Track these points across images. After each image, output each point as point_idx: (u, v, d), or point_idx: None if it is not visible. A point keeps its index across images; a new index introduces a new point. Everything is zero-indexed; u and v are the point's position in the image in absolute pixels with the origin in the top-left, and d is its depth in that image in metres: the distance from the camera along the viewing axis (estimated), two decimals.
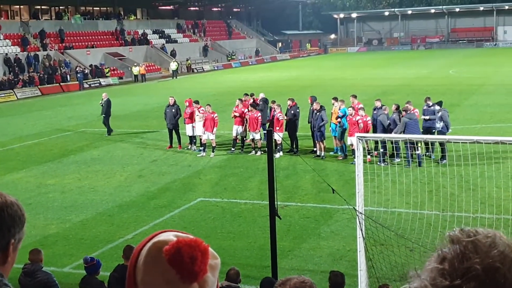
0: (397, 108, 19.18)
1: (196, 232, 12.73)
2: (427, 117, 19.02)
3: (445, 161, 17.83)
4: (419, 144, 17.40)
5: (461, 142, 11.12)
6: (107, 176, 18.91)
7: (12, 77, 47.78)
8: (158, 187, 17.43)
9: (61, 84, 49.75)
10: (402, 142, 18.32)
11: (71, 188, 17.71)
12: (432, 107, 19.47)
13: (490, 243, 1.11)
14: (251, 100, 22.84)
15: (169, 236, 1.42)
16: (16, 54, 50.93)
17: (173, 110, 22.32)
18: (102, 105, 25.95)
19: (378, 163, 17.11)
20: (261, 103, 22.46)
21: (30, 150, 23.67)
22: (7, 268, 1.79)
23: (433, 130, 18.77)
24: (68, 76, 51.19)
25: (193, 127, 21.70)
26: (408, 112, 18.74)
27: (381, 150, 17.99)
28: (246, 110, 21.40)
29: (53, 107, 37.97)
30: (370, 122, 19.16)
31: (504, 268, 1.08)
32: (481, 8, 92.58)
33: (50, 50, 54.92)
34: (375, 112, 19.64)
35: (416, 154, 17.89)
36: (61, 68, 52.18)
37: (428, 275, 1.12)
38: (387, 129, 18.83)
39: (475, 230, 1.15)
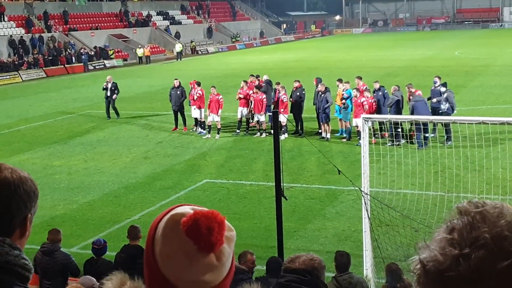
0: (398, 89, 19.20)
1: None
2: (435, 100, 18.99)
3: (450, 142, 17.83)
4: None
5: (467, 123, 11.11)
6: (113, 158, 18.99)
7: (17, 59, 47.77)
8: (164, 169, 17.50)
9: (66, 66, 49.74)
10: (407, 123, 18.35)
11: (77, 169, 17.80)
12: (438, 88, 19.43)
13: (498, 213, 1.13)
14: (257, 82, 22.81)
15: (186, 209, 1.45)
16: (21, 36, 50.86)
17: (178, 92, 22.30)
18: (105, 89, 25.23)
19: (389, 144, 17.03)
20: (264, 85, 22.42)
21: (36, 132, 23.75)
22: (24, 242, 1.85)
23: (439, 111, 18.74)
24: (72, 58, 51.14)
25: (200, 108, 21.64)
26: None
27: (390, 131, 17.92)
28: (251, 92, 21.38)
29: (58, 89, 38.00)
30: (375, 103, 19.13)
31: None
32: None
33: (55, 31, 54.81)
34: (379, 93, 19.59)
35: (424, 136, 17.82)
36: (66, 50, 52.11)
37: (437, 245, 1.13)
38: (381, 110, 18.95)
39: (483, 202, 1.17)
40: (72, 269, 8.33)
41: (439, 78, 20.21)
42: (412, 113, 17.86)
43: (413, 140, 17.56)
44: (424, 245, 1.17)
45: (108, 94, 25.19)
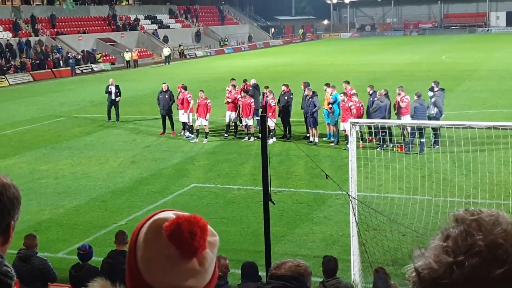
0: (386, 94, 19.27)
1: None
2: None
3: (437, 146, 17.91)
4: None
5: (454, 127, 11.17)
6: (100, 162, 18.88)
7: (4, 62, 47.44)
8: (151, 173, 17.43)
9: (53, 69, 49.47)
10: (395, 128, 18.42)
11: (64, 174, 17.68)
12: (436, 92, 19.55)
13: (493, 221, 1.13)
14: (243, 86, 22.80)
15: (169, 214, 1.45)
16: (8, 40, 50.54)
17: (166, 96, 22.26)
18: (108, 92, 25.01)
19: (378, 148, 17.07)
20: (251, 89, 22.41)
21: (22, 136, 23.57)
22: (6, 248, 1.83)
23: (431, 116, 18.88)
24: (60, 62, 50.87)
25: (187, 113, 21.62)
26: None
27: (381, 136, 17.94)
28: (239, 96, 21.37)
29: (45, 93, 37.78)
30: (363, 108, 19.19)
31: (507, 244, 1.10)
32: None
33: (42, 35, 54.52)
34: (370, 99, 19.64)
35: (420, 141, 17.86)
36: (53, 54, 51.84)
37: (432, 253, 1.14)
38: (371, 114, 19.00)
39: (479, 210, 1.17)
40: (49, 275, 8.24)
41: (436, 83, 20.29)
42: (412, 114, 17.95)
43: (402, 144, 17.67)
44: (420, 253, 1.17)
45: (113, 97, 25.03)
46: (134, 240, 1.45)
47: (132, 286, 1.45)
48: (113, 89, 25.01)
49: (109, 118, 25.45)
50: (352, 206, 10.02)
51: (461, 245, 1.10)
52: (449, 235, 1.13)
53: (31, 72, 47.55)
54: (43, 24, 56.36)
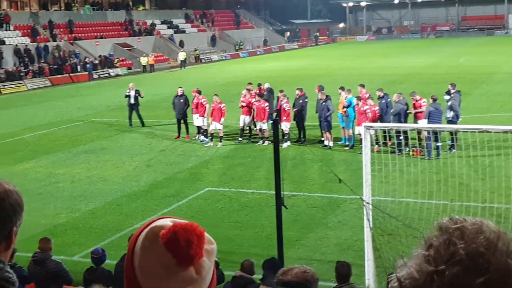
0: (401, 97, 19.13)
1: (203, 221, 12.78)
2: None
3: (454, 150, 17.76)
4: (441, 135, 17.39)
5: (470, 131, 11.07)
6: (116, 166, 19.00)
7: (22, 67, 47.97)
8: (166, 177, 17.50)
9: (71, 74, 49.91)
10: (412, 132, 18.30)
11: (80, 177, 17.81)
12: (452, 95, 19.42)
13: (476, 229, 1.12)
14: (257, 90, 22.83)
15: (166, 221, 1.44)
16: (26, 45, 51.08)
17: (181, 101, 22.34)
18: (127, 96, 24.80)
19: (395, 153, 16.96)
20: (266, 93, 22.42)
21: (40, 140, 23.80)
22: (8, 254, 1.83)
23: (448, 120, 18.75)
24: (77, 67, 51.32)
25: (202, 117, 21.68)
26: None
27: (397, 140, 17.81)
28: (253, 100, 21.38)
29: (63, 97, 38.11)
30: (378, 111, 19.09)
31: (488, 253, 1.09)
32: None
33: (60, 40, 55.03)
34: (383, 101, 19.56)
35: (436, 145, 17.73)
36: (71, 59, 52.30)
37: (414, 262, 1.13)
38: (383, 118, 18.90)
39: (463, 218, 1.16)
40: (64, 278, 8.30)
41: (452, 85, 20.21)
42: (427, 119, 17.80)
43: (419, 148, 17.55)
44: (403, 262, 1.16)
45: (132, 101, 24.84)
46: (131, 248, 1.45)
47: None
48: (132, 93, 24.83)
49: (130, 124, 25.12)
50: (366, 211, 9.96)
51: (443, 254, 1.10)
52: (431, 244, 1.13)
53: (49, 77, 48.02)
54: (61, 30, 56.90)
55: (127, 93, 25.05)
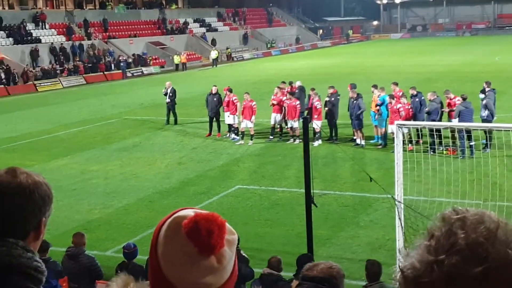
0: (436, 95, 18.88)
1: (233, 219, 12.84)
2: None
3: (488, 149, 17.46)
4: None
5: (504, 130, 10.88)
6: (148, 163, 19.21)
7: (58, 66, 48.81)
8: (197, 174, 17.62)
9: (105, 73, 50.58)
10: (445, 131, 18.05)
11: (113, 174, 18.06)
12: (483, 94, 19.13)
13: (477, 220, 1.14)
14: (289, 88, 22.80)
15: (188, 212, 1.48)
16: (61, 43, 51.94)
17: (215, 99, 22.43)
18: (166, 94, 25.16)
19: (431, 152, 16.77)
20: (297, 91, 22.37)
21: (74, 137, 24.20)
22: (38, 244, 1.89)
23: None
24: (111, 65, 52.00)
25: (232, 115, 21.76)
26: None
27: (430, 139, 17.58)
28: (285, 98, 21.36)
29: (97, 95, 38.67)
30: (412, 110, 18.89)
31: (488, 243, 1.10)
32: None
33: (94, 39, 55.83)
34: (416, 100, 19.34)
35: (469, 144, 17.48)
36: (105, 57, 53.02)
37: (416, 252, 1.16)
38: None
39: (465, 209, 1.18)
40: (95, 273, 8.42)
41: (487, 83, 19.92)
42: (458, 118, 17.55)
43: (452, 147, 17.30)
44: (406, 253, 1.19)
45: (168, 100, 25.22)
46: (155, 238, 1.49)
47: (154, 282, 1.49)
48: (168, 92, 25.20)
49: (167, 122, 25.41)
50: (398, 210, 9.88)
51: (444, 244, 1.12)
52: (433, 235, 1.15)
53: (83, 75, 48.76)
54: (96, 28, 57.71)
55: (164, 92, 25.46)
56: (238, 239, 1.64)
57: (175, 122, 25.46)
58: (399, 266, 1.17)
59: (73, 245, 8.58)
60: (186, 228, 1.41)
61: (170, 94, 25.20)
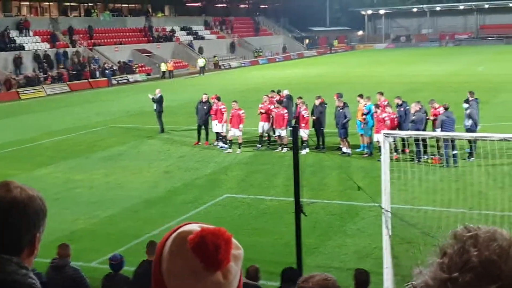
0: (421, 106, 19.00)
1: None
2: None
3: (473, 159, 17.59)
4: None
5: (489, 140, 10.96)
6: (134, 172, 19.08)
7: (41, 73, 48.47)
8: (185, 183, 17.53)
9: (90, 80, 50.32)
10: (431, 140, 18.17)
11: (98, 183, 17.90)
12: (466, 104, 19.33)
13: (489, 237, 1.15)
14: (277, 97, 22.83)
15: (193, 226, 1.45)
16: (46, 51, 51.62)
17: (205, 107, 22.37)
18: (154, 100, 25.19)
19: (412, 161, 16.88)
20: (285, 100, 22.41)
21: (58, 146, 23.99)
22: (31, 260, 1.85)
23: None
24: (96, 73, 51.75)
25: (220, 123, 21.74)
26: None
27: (416, 148, 17.67)
28: (272, 106, 21.39)
29: (82, 103, 38.43)
30: (397, 119, 19.00)
31: (501, 261, 1.11)
32: (511, 5, 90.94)
33: (79, 46, 55.56)
34: (401, 109, 19.46)
35: (452, 153, 17.59)
36: (90, 65, 52.76)
37: (429, 270, 1.16)
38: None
39: (477, 227, 1.19)
40: (81, 284, 8.31)
41: (471, 93, 20.17)
42: (440, 127, 17.66)
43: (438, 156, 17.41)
44: (418, 271, 1.19)
45: (154, 107, 25.27)
46: (159, 253, 1.46)
47: None
48: (156, 98, 25.19)
49: (162, 130, 25.30)
50: (385, 219, 9.89)
51: (457, 262, 1.13)
52: (445, 252, 1.16)
53: (68, 83, 48.45)
54: (81, 35, 57.45)
55: (153, 97, 25.34)
56: None
57: (161, 131, 25.27)
58: (412, 284, 1.17)
59: (58, 256, 8.45)
60: (192, 243, 1.38)
61: (157, 99, 25.09)
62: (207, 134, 22.51)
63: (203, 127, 22.50)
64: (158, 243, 1.48)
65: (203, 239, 1.38)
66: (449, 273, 1.11)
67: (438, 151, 18.25)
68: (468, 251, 1.12)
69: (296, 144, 7.85)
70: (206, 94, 23.06)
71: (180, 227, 1.48)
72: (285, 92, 23.26)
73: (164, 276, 1.42)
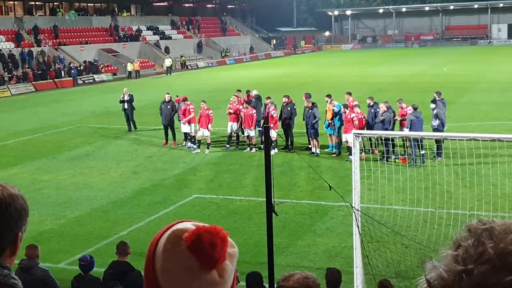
0: (389, 106, 19.19)
1: None
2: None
3: (440, 158, 17.86)
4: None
5: (458, 139, 11.14)
6: (102, 172, 18.85)
7: (6, 73, 47.56)
8: (153, 184, 17.39)
9: (55, 80, 49.59)
10: (398, 140, 18.40)
11: (65, 184, 17.64)
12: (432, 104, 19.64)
13: (505, 229, 1.14)
14: (245, 97, 22.84)
15: (187, 224, 1.44)
16: (10, 50, 50.71)
17: (169, 107, 22.28)
18: (123, 101, 25.32)
19: (381, 160, 17.08)
20: (254, 100, 22.43)
21: (24, 146, 23.58)
22: (13, 260, 1.81)
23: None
24: (62, 72, 51.01)
25: (188, 124, 21.67)
26: (402, 109, 18.84)
27: (385, 148, 17.84)
28: (241, 106, 21.38)
29: (47, 103, 37.84)
30: (365, 119, 19.17)
31: None
32: (476, 6, 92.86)
33: (44, 46, 54.70)
34: (372, 110, 19.63)
35: (420, 153, 17.83)
36: (55, 64, 51.99)
37: (443, 263, 1.15)
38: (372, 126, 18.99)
39: (492, 220, 1.18)
40: (50, 286, 8.16)
41: (438, 93, 20.51)
42: (409, 127, 17.87)
43: (405, 156, 17.62)
44: (432, 265, 1.17)
45: (125, 106, 25.24)
46: (152, 251, 1.44)
47: None
48: (126, 98, 25.26)
49: (129, 129, 25.57)
50: (356, 218, 9.96)
51: (472, 254, 1.12)
52: (460, 244, 1.15)
53: (33, 83, 47.67)
54: (46, 35, 56.56)
55: (121, 98, 25.41)
56: None
57: (135, 128, 25.55)
58: (425, 277, 1.15)
59: (26, 257, 8.29)
60: (188, 241, 1.36)
61: (129, 100, 25.15)
62: (174, 134, 22.40)
63: (169, 127, 22.39)
64: (151, 241, 1.45)
65: (199, 237, 1.36)
66: (464, 265, 1.10)
67: (405, 151, 18.49)
68: (483, 243, 1.11)
69: (267, 144, 7.85)
70: (168, 93, 23.00)
71: (173, 225, 1.46)
72: (254, 92, 23.28)
73: (158, 275, 1.40)
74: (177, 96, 24.01)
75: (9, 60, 49.60)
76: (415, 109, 18.44)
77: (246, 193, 16.13)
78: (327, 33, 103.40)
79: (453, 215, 12.50)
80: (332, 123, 19.82)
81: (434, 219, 12.20)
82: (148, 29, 70.34)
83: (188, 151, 21.43)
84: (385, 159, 17.47)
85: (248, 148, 21.11)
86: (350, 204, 10.03)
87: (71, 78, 49.93)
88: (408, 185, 15.18)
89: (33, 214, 14.68)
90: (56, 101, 38.52)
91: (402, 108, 19.17)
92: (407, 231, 11.39)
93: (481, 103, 30.09)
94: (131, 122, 25.56)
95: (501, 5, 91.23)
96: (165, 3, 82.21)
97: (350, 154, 16.11)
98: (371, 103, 19.74)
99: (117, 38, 63.80)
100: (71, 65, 51.38)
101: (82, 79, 51.32)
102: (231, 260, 1.42)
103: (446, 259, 1.14)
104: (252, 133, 20.88)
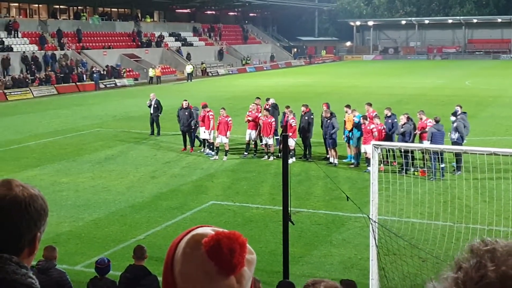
0: (409, 118, 19.05)
1: None
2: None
3: (460, 172, 17.70)
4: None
5: (478, 153, 11.04)
6: (121, 176, 18.98)
7: (29, 75, 48.17)
8: (171, 189, 17.46)
9: (77, 83, 50.10)
10: (418, 152, 18.27)
11: (84, 187, 17.79)
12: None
13: (507, 251, 1.12)
14: (265, 105, 22.88)
15: (207, 229, 1.45)
16: (34, 53, 51.33)
17: (186, 113, 22.39)
18: (150, 106, 25.88)
19: (399, 172, 16.97)
20: (270, 108, 22.45)
21: (45, 148, 23.82)
22: (31, 260, 1.83)
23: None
24: (84, 76, 51.53)
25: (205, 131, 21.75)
26: (423, 121, 18.70)
27: (404, 160, 17.70)
28: (260, 114, 21.41)
29: (69, 106, 38.21)
30: (385, 130, 19.07)
31: None
32: (499, 20, 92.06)
33: (67, 49, 55.32)
34: (389, 121, 19.53)
35: (440, 166, 17.68)
36: (78, 68, 52.53)
37: (443, 285, 1.13)
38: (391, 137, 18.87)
39: (494, 240, 1.16)
40: None
41: (460, 106, 20.40)
42: (430, 140, 17.73)
43: (425, 169, 17.48)
44: (432, 286, 1.16)
45: (152, 111, 25.79)
46: (171, 255, 1.45)
47: None
48: (153, 103, 25.78)
49: (152, 133, 25.97)
50: (373, 229, 9.91)
51: (473, 277, 1.10)
52: (461, 266, 1.13)
53: (55, 85, 48.21)
54: (69, 39, 57.20)
55: (148, 103, 26.07)
56: None
57: (158, 134, 25.88)
58: None
59: (44, 258, 8.36)
60: (207, 246, 1.37)
61: (155, 106, 25.66)
62: (192, 140, 22.51)
63: (187, 133, 22.53)
64: (170, 245, 1.46)
65: (219, 242, 1.37)
66: None
67: (424, 164, 18.35)
68: (485, 265, 1.10)
69: (286, 153, 7.85)
70: (186, 100, 23.18)
71: (193, 229, 1.47)
72: (271, 101, 23.30)
73: (176, 279, 1.42)
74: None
75: (32, 62, 50.23)
76: (437, 121, 18.30)
77: (263, 201, 16.12)
78: (348, 43, 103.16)
79: (471, 229, 12.36)
80: (352, 134, 19.75)
81: (452, 233, 12.09)
82: (170, 35, 70.83)
83: (206, 157, 21.49)
84: (404, 171, 17.34)
85: (266, 156, 21.12)
86: (368, 216, 9.98)
87: (93, 82, 50.40)
88: (426, 198, 15.09)
89: (52, 216, 14.83)
90: (78, 105, 38.89)
91: (421, 120, 19.04)
92: (425, 245, 11.30)
93: (502, 117, 29.79)
94: (155, 126, 25.93)
95: None
96: (188, 10, 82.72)
97: (369, 165, 16.05)
98: (389, 114, 19.64)
99: (139, 43, 64.32)
100: (93, 69, 51.88)
101: (104, 83, 51.79)
102: (250, 267, 1.43)
103: (447, 281, 1.13)
104: (270, 141, 20.89)
